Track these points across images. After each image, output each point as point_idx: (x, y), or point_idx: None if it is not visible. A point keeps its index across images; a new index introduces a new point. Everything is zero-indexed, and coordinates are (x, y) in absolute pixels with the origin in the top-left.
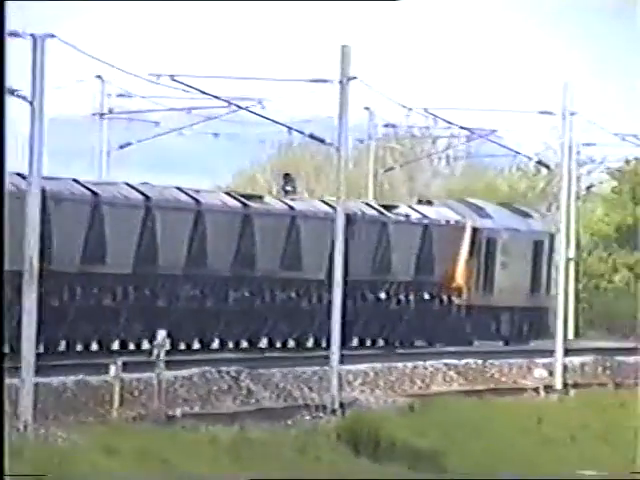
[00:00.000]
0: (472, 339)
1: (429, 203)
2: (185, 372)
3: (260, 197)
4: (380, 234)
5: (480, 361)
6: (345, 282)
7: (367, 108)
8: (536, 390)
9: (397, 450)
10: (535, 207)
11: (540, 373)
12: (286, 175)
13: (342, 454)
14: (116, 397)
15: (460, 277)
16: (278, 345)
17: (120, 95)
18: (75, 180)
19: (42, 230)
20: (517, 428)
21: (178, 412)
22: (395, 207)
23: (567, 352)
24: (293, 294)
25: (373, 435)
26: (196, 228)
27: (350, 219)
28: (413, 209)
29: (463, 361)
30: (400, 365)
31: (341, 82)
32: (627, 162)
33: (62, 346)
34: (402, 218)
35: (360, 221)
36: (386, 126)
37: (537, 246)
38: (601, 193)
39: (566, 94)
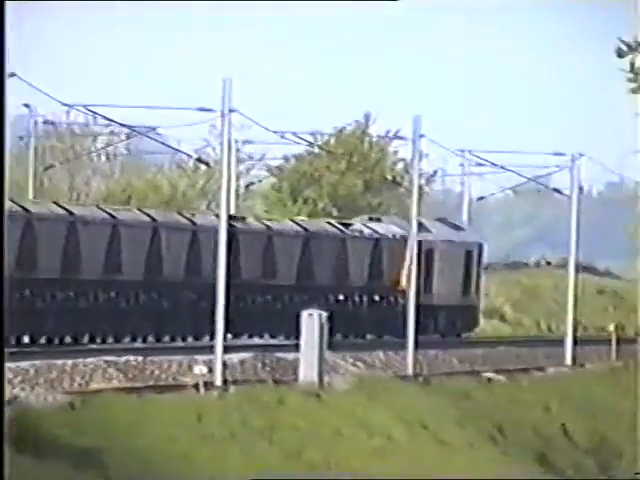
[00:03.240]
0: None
1: (378, 220)
2: None
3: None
4: (339, 248)
5: (140, 358)
6: (310, 287)
7: (27, 105)
8: (196, 387)
9: (59, 448)
10: (194, 205)
11: (200, 370)
12: None
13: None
14: None
15: (405, 281)
16: None
17: None
18: None
19: None
20: (177, 425)
21: None
22: (351, 225)
23: (227, 349)
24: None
25: (34, 433)
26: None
27: (316, 236)
28: (366, 226)
29: (123, 358)
30: (60, 362)
31: None
32: (286, 159)
33: None
34: (357, 234)
35: (323, 238)
36: (45, 123)
37: (468, 254)
38: (261, 190)
39: (225, 91)
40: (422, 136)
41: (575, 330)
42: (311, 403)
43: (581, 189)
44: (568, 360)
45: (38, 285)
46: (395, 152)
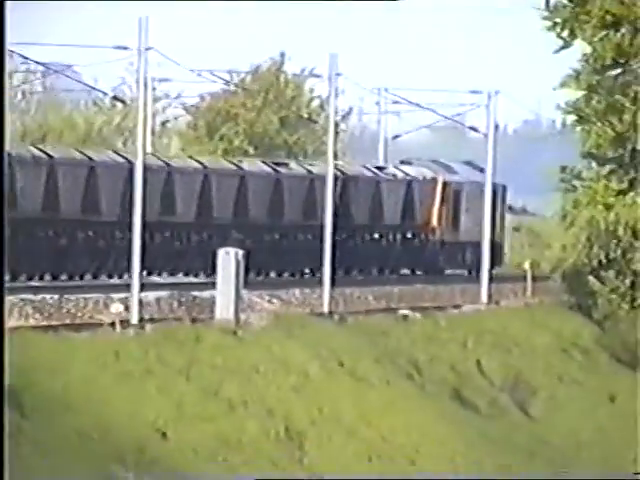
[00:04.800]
0: (444, 268)
1: (409, 163)
2: None
3: None
4: (375, 190)
5: (57, 296)
6: (348, 227)
7: None
8: (112, 325)
9: None
10: (111, 142)
11: (117, 308)
12: None
13: None
14: None
15: (434, 220)
16: None
17: None
18: None
19: None
20: (94, 363)
21: None
22: (385, 168)
23: (143, 287)
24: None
25: None
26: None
27: (355, 179)
28: (398, 169)
29: (39, 296)
30: None
31: None
32: (202, 98)
33: None
34: (390, 177)
35: (361, 180)
36: None
37: (493, 195)
38: (176, 128)
39: (142, 29)
40: (338, 74)
41: (491, 267)
42: (228, 340)
43: (497, 127)
44: (484, 297)
45: None
46: (311, 90)
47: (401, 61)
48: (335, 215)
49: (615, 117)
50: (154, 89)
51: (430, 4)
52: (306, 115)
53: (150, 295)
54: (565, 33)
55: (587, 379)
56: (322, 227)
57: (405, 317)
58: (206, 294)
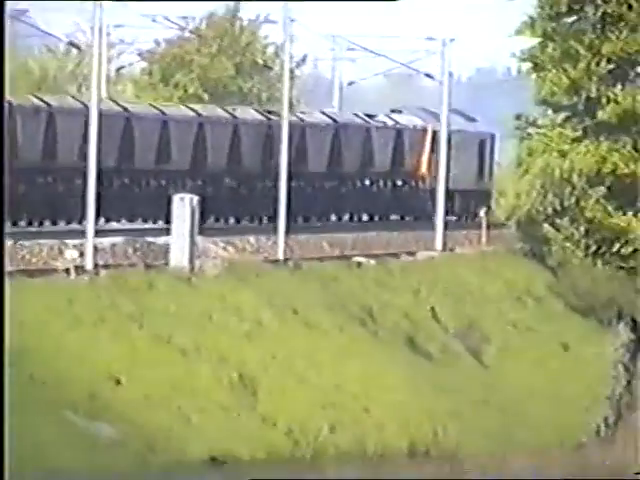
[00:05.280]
0: (433, 214)
1: (399, 112)
2: None
3: None
4: (365, 137)
5: (11, 242)
6: (339, 174)
7: None
8: (67, 271)
9: None
10: (65, 88)
11: (71, 254)
12: None
13: None
14: None
15: (424, 167)
16: None
17: None
18: None
19: None
20: (48, 309)
21: None
22: (375, 116)
23: (97, 233)
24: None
25: None
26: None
27: (345, 126)
28: (388, 117)
29: None
30: None
31: None
32: (157, 44)
33: None
34: (380, 124)
35: (351, 127)
36: None
37: (481, 143)
38: (131, 74)
39: None
40: (293, 20)
41: (446, 214)
42: (182, 287)
43: (451, 74)
44: (439, 245)
45: None
46: (266, 36)
47: (356, 8)
48: (329, 163)
49: (570, 64)
50: (108, 34)
51: None
52: (261, 62)
53: (105, 241)
54: None
55: (540, 327)
56: (275, 175)
57: (359, 264)
58: (161, 241)
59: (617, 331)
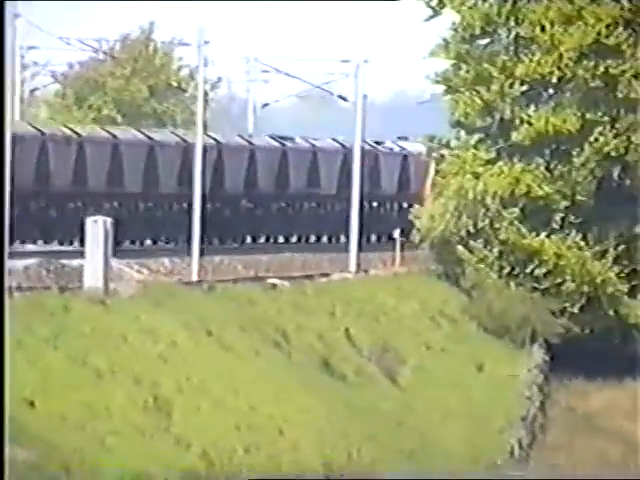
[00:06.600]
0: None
1: (406, 139)
2: None
3: None
4: (373, 162)
5: None
6: (348, 196)
7: None
8: None
9: None
10: None
11: None
12: None
13: None
14: None
15: (427, 190)
16: None
17: None
18: None
19: None
20: None
21: None
22: (383, 143)
23: (11, 255)
24: None
25: None
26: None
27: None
28: (395, 144)
29: None
30: None
31: None
32: (71, 66)
33: None
34: (388, 150)
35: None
36: None
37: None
38: (45, 97)
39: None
40: (207, 42)
41: (360, 236)
42: (96, 309)
43: (365, 96)
44: (352, 266)
45: None
46: (180, 58)
47: (272, 31)
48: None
49: (483, 86)
50: (22, 57)
51: None
52: (175, 84)
53: (18, 263)
54: (434, 2)
55: (454, 348)
56: (191, 198)
57: (274, 286)
58: (75, 263)
59: (531, 352)
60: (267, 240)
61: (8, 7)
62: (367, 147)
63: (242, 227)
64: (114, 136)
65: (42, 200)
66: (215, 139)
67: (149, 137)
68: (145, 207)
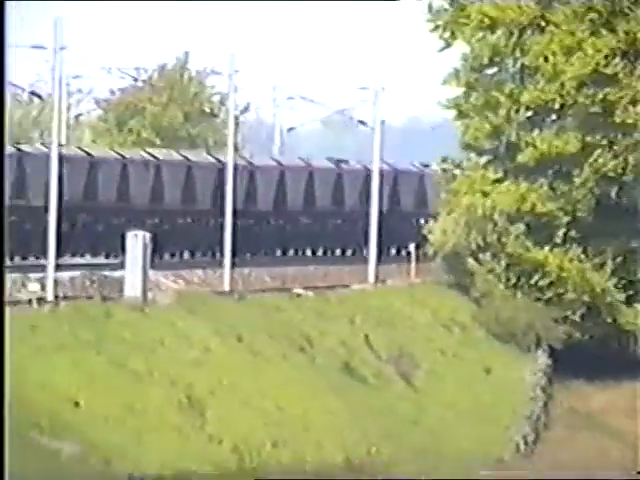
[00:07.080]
0: None
1: (427, 166)
2: None
3: None
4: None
5: None
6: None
7: None
8: (30, 302)
9: None
10: (29, 134)
11: (34, 287)
12: None
13: None
14: None
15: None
16: None
17: None
18: None
19: None
20: (12, 337)
21: None
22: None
23: (58, 267)
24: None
25: None
26: None
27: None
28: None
29: None
30: None
31: None
32: (112, 93)
33: None
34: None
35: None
36: None
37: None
38: (89, 121)
39: (57, 30)
40: (237, 71)
41: (380, 250)
42: (135, 316)
43: (383, 121)
44: (371, 278)
45: None
46: (212, 86)
47: (296, 59)
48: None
49: (491, 112)
50: (68, 85)
51: (323, 10)
52: (208, 110)
53: (65, 275)
54: (446, 34)
55: (465, 352)
56: (223, 214)
57: (299, 295)
58: (117, 274)
59: (535, 356)
60: (296, 253)
61: (8, 7)
62: (414, 169)
63: (392, 237)
64: (155, 157)
65: (90, 215)
66: (277, 161)
67: (186, 158)
68: (184, 222)
